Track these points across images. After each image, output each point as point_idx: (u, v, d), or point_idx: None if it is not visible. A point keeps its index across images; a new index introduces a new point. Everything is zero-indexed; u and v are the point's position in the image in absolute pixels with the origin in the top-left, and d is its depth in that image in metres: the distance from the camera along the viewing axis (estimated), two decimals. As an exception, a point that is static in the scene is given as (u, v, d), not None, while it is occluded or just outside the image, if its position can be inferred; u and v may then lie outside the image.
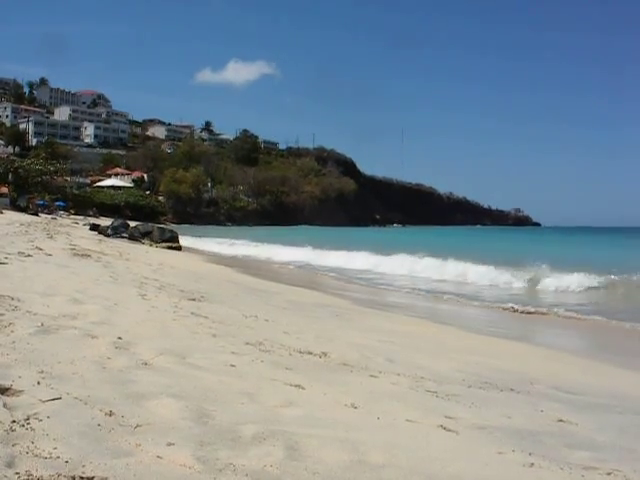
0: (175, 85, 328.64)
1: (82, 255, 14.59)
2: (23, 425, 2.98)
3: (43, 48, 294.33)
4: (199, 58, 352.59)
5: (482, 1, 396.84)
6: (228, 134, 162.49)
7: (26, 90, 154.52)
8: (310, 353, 6.37)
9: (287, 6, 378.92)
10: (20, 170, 57.39)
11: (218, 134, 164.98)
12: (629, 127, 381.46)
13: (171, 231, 34.91)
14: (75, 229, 32.52)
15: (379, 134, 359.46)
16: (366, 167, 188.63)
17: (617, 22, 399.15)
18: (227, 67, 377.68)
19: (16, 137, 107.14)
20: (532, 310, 14.09)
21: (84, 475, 2.60)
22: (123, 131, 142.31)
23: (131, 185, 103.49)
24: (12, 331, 4.91)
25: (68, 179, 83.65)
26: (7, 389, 3.45)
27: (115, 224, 34.08)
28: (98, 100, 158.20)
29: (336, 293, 16.00)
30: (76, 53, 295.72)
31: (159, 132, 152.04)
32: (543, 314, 13.80)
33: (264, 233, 62.44)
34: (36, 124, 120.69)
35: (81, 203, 72.54)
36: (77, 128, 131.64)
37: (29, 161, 62.34)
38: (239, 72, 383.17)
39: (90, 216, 63.68)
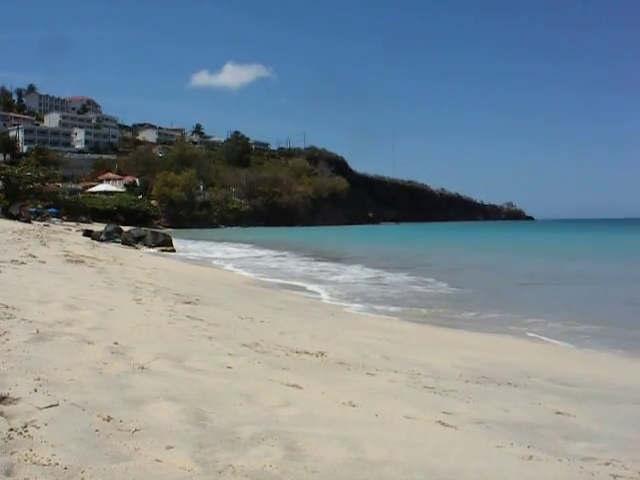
0: (169, 89, 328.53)
1: (76, 261, 14.54)
2: (21, 433, 2.97)
3: (33, 54, 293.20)
4: (195, 62, 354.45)
5: (474, 1, 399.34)
6: (219, 136, 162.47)
7: (15, 98, 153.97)
8: (307, 353, 6.37)
9: (284, 8, 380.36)
10: (11, 177, 57.05)
11: (209, 137, 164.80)
12: (626, 121, 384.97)
13: (164, 235, 34.86)
14: (68, 235, 32.33)
15: (370, 133, 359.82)
16: (357, 166, 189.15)
17: (609, 18, 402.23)
18: (223, 70, 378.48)
19: (6, 145, 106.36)
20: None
21: (83, 481, 2.60)
22: (114, 136, 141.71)
23: (123, 190, 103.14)
24: (7, 339, 4.89)
25: (60, 185, 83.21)
26: (4, 397, 3.44)
27: (108, 229, 33.99)
28: (88, 105, 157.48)
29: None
30: (68, 59, 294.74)
31: (150, 136, 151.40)
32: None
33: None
34: (26, 131, 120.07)
35: (73, 209, 71.94)
36: (67, 134, 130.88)
37: (20, 168, 61.96)
38: (234, 75, 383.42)
39: (83, 222, 63.31)
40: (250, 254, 34.58)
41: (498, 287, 18.71)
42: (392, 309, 13.10)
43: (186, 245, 41.54)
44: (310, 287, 17.09)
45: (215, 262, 26.85)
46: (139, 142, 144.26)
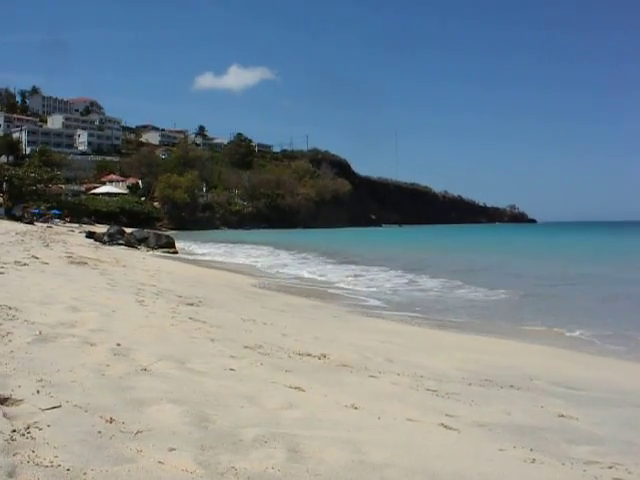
0: (173, 91, 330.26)
1: (79, 263, 14.56)
2: (23, 434, 2.98)
3: (37, 56, 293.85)
4: (200, 64, 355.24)
5: (475, 3, 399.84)
6: (222, 138, 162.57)
7: (18, 99, 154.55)
8: (309, 355, 6.37)
9: (289, 12, 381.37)
10: (14, 179, 57.23)
11: (212, 138, 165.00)
12: (628, 123, 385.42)
13: (167, 237, 34.91)
14: (71, 237, 32.42)
15: (373, 135, 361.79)
16: (360, 168, 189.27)
17: (610, 19, 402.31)
18: (228, 72, 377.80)
19: (9, 146, 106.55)
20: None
21: (86, 482, 2.60)
22: (117, 138, 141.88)
23: (126, 191, 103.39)
24: (10, 340, 4.89)
25: (63, 187, 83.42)
26: (7, 399, 3.44)
27: (111, 231, 34.04)
28: (91, 107, 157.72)
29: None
30: (71, 60, 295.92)
31: (153, 138, 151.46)
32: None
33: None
34: (29, 133, 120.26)
35: (76, 211, 72.08)
36: (70, 136, 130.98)
37: (23, 170, 62.16)
38: (239, 77, 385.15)
39: (86, 223, 63.40)
40: (282, 258, 32.62)
41: (534, 290, 18.12)
42: (464, 321, 12.21)
43: (201, 248, 40.73)
44: (364, 298, 15.84)
45: (259, 268, 25.50)
46: (142, 144, 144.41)
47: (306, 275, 22.56)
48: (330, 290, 17.55)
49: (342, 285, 19.05)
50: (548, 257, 35.79)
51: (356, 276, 21.99)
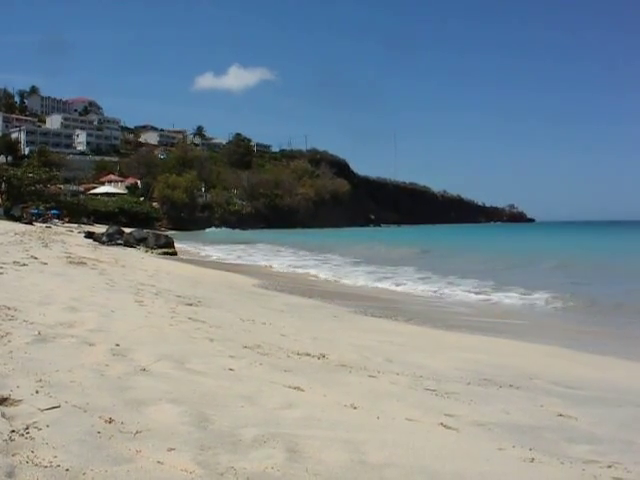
0: (172, 91, 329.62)
1: (78, 263, 14.54)
2: (22, 434, 2.98)
3: (35, 56, 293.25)
4: (201, 64, 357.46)
5: (475, 3, 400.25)
6: (221, 138, 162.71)
7: (17, 99, 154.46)
8: (308, 355, 6.37)
9: (290, 12, 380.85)
10: (13, 179, 57.17)
11: (210, 138, 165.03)
12: (628, 123, 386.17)
13: (166, 237, 34.82)
14: (70, 237, 32.38)
15: (372, 135, 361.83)
16: (359, 168, 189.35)
17: (611, 19, 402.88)
18: (228, 72, 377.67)
19: (8, 147, 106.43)
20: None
21: (85, 483, 2.60)
22: (115, 138, 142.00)
23: (125, 192, 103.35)
24: (9, 341, 4.89)
25: (62, 187, 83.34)
26: (5, 399, 3.44)
27: (110, 231, 33.95)
28: (90, 107, 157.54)
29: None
30: (70, 60, 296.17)
31: (151, 138, 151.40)
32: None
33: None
34: (28, 133, 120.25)
35: (75, 211, 71.81)
36: (69, 136, 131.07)
37: (22, 170, 62.12)
38: (239, 78, 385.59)
39: (85, 224, 63.23)
40: (306, 259, 30.52)
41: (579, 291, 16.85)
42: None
43: (214, 250, 38.90)
44: (449, 305, 14.56)
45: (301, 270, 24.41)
46: (141, 144, 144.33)
47: (360, 283, 19.96)
48: (386, 296, 16.24)
49: (400, 289, 17.81)
50: (554, 255, 35.59)
51: (388, 278, 20.63)
